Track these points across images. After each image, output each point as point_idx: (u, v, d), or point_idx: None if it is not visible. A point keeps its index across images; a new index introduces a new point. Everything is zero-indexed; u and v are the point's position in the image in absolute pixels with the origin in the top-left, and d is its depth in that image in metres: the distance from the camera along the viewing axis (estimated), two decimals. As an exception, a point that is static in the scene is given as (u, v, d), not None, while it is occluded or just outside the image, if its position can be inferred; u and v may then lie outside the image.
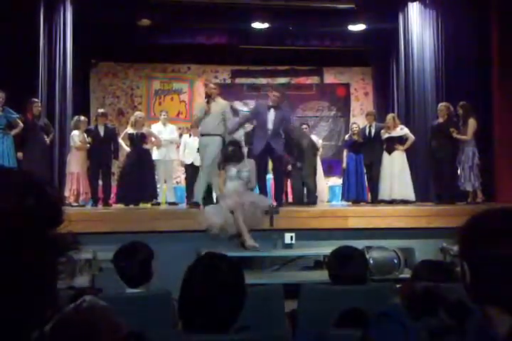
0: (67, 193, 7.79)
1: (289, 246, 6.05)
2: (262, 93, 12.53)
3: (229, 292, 1.71)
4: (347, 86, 12.73)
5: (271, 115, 7.18)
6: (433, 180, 8.25)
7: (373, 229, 6.13)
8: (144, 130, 8.26)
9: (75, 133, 8.05)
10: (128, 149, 8.25)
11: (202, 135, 7.07)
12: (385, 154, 8.30)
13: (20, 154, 7.37)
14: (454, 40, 8.99)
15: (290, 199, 8.82)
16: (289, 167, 8.56)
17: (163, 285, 2.83)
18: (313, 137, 9.59)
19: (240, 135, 7.83)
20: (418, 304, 1.72)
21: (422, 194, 8.45)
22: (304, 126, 9.42)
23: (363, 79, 12.62)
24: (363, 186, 8.72)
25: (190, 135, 9.29)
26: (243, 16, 9.96)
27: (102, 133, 8.15)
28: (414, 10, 9.41)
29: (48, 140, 7.74)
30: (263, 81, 12.59)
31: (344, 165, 8.98)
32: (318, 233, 6.04)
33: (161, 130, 9.08)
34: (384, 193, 8.17)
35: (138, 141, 8.12)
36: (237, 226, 5.63)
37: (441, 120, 7.97)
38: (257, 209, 5.79)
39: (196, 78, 12.41)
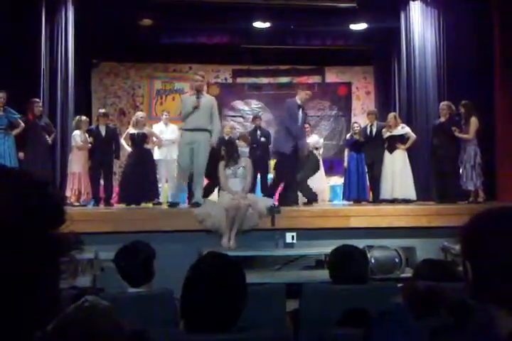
0: (68, 193, 7.79)
1: (291, 245, 6.05)
2: (262, 92, 12.56)
3: (230, 291, 1.71)
4: (348, 85, 12.73)
5: (300, 114, 7.13)
6: (435, 179, 8.24)
7: (375, 228, 6.13)
8: (146, 130, 8.27)
9: (77, 133, 8.05)
10: (129, 149, 8.26)
11: (189, 130, 6.75)
12: (387, 153, 8.29)
13: (21, 154, 7.37)
14: (455, 39, 8.98)
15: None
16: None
17: (164, 284, 2.83)
18: (315, 136, 9.59)
19: (234, 133, 7.77)
20: (420, 303, 1.72)
21: (424, 193, 8.44)
22: (306, 125, 9.42)
23: (364, 79, 12.62)
24: (364, 185, 8.71)
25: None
26: (244, 16, 9.95)
27: (103, 133, 8.16)
28: (415, 9, 9.39)
29: (49, 140, 7.74)
30: (264, 80, 12.60)
31: (345, 164, 8.97)
32: (320, 232, 6.04)
33: (163, 130, 9.09)
34: (385, 192, 8.16)
35: (139, 141, 8.13)
36: (225, 225, 5.68)
37: (442, 119, 7.96)
38: (254, 211, 5.81)
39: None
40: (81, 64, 9.76)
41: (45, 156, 7.62)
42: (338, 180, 10.93)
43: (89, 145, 8.09)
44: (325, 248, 5.37)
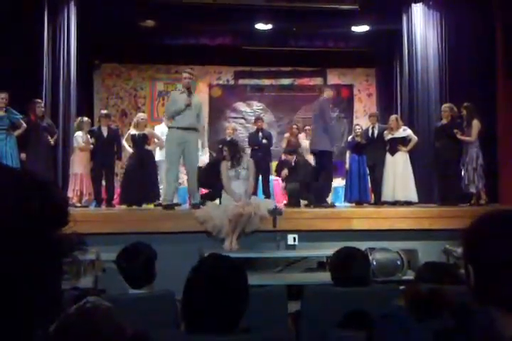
0: (70, 194, 7.80)
1: (292, 247, 6.04)
2: (264, 94, 12.57)
3: (232, 293, 1.70)
4: (350, 87, 12.73)
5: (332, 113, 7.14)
6: (436, 181, 8.24)
7: (376, 230, 6.12)
8: (147, 131, 8.28)
9: (79, 134, 8.06)
10: (131, 150, 8.27)
11: (181, 128, 6.57)
12: (388, 155, 8.29)
13: (23, 155, 7.38)
14: (457, 41, 8.98)
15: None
16: (284, 172, 8.48)
17: (166, 286, 2.83)
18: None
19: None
20: (422, 306, 1.71)
21: (426, 195, 8.43)
22: (307, 127, 9.43)
23: (366, 81, 12.61)
24: (365, 187, 8.71)
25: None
26: (246, 17, 9.96)
27: (105, 134, 8.17)
28: (417, 11, 9.40)
29: (51, 141, 7.75)
30: (266, 82, 12.60)
31: (347, 166, 8.97)
32: (321, 234, 6.03)
33: (165, 131, 9.07)
34: (387, 194, 8.16)
35: (140, 142, 8.14)
36: (227, 229, 5.68)
37: (444, 121, 7.96)
38: (255, 216, 5.80)
39: (200, 79, 12.42)
40: (83, 65, 9.77)
41: (47, 157, 7.63)
42: (339, 182, 10.92)
43: (91, 146, 8.10)
44: (327, 250, 5.36)
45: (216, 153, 7.89)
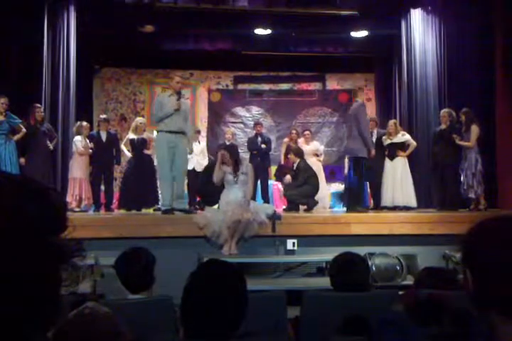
0: (69, 198, 7.79)
1: (292, 252, 6.03)
2: (263, 99, 12.59)
3: (231, 299, 1.70)
4: (349, 92, 12.74)
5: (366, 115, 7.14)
6: (435, 186, 8.23)
7: (375, 235, 6.11)
8: (145, 135, 8.28)
9: (78, 138, 8.06)
10: (129, 155, 8.27)
11: (170, 132, 6.47)
12: (387, 160, 8.29)
13: (22, 160, 7.38)
14: (456, 47, 9.01)
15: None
16: (288, 177, 8.44)
17: (165, 291, 2.83)
18: (316, 143, 9.60)
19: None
20: (421, 311, 1.71)
21: (425, 200, 8.43)
22: (307, 131, 9.44)
23: (365, 86, 12.64)
24: (364, 192, 8.69)
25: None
26: (246, 22, 9.99)
27: (104, 138, 8.18)
28: (416, 16, 9.42)
29: (51, 145, 7.75)
30: (265, 87, 12.63)
31: (346, 171, 8.97)
32: (321, 239, 6.02)
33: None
34: (386, 199, 8.15)
35: (139, 146, 8.14)
36: (226, 234, 5.68)
37: (443, 126, 7.97)
38: (254, 221, 5.80)
39: (199, 84, 12.45)
40: (82, 69, 9.79)
41: (46, 161, 7.63)
42: (339, 187, 10.93)
43: (90, 150, 8.10)
44: (326, 255, 5.36)
45: (214, 158, 7.88)
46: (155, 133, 9.06)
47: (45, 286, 0.68)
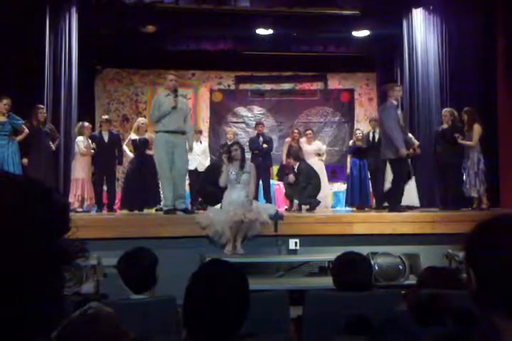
0: (71, 199, 7.80)
1: (294, 252, 6.03)
2: (265, 98, 12.59)
3: (233, 299, 1.70)
4: (351, 91, 12.75)
5: (399, 114, 7.05)
6: (438, 185, 8.22)
7: (378, 234, 6.11)
8: (147, 136, 8.29)
9: (80, 139, 8.07)
10: (131, 155, 8.28)
11: (170, 132, 6.37)
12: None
13: (25, 160, 7.39)
14: (458, 46, 8.99)
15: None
16: (291, 177, 8.41)
17: (167, 291, 2.83)
18: (318, 143, 9.60)
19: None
20: (424, 311, 1.71)
21: (427, 200, 8.42)
22: (309, 131, 9.44)
23: (367, 85, 12.64)
24: (367, 192, 8.70)
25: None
26: (247, 23, 9.99)
27: (106, 139, 8.19)
28: (418, 16, 9.42)
29: (53, 146, 7.75)
30: (267, 87, 12.63)
31: (348, 170, 8.97)
32: (323, 239, 6.02)
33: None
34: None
35: (141, 146, 8.15)
36: (228, 234, 5.68)
37: (445, 125, 7.96)
38: (256, 221, 5.80)
39: (201, 84, 12.46)
40: (84, 70, 9.81)
41: (48, 162, 7.63)
42: (341, 187, 10.93)
43: (93, 151, 8.11)
44: (328, 254, 5.36)
45: (217, 157, 7.87)
46: (156, 133, 9.11)
47: (48, 287, 0.68)
